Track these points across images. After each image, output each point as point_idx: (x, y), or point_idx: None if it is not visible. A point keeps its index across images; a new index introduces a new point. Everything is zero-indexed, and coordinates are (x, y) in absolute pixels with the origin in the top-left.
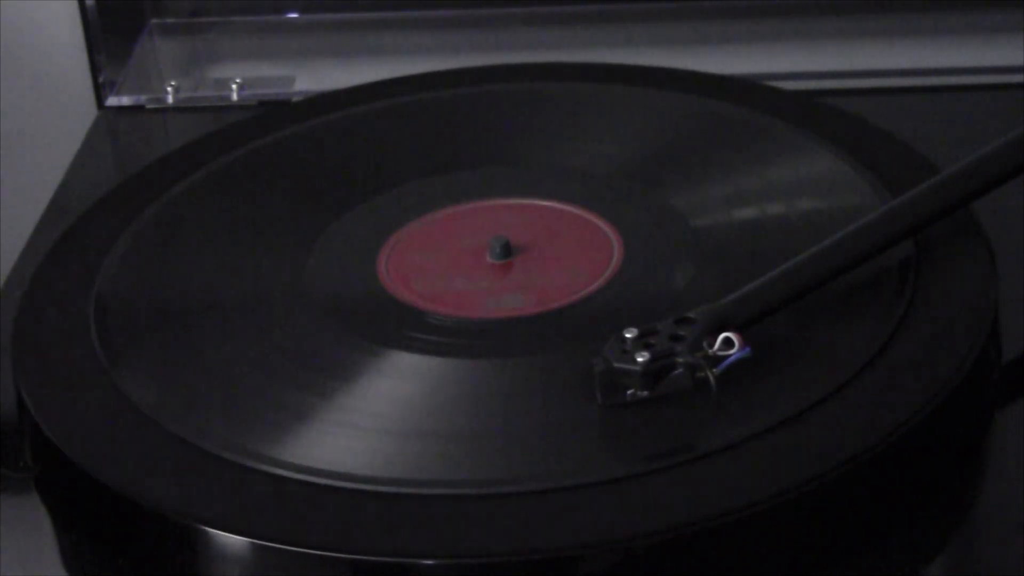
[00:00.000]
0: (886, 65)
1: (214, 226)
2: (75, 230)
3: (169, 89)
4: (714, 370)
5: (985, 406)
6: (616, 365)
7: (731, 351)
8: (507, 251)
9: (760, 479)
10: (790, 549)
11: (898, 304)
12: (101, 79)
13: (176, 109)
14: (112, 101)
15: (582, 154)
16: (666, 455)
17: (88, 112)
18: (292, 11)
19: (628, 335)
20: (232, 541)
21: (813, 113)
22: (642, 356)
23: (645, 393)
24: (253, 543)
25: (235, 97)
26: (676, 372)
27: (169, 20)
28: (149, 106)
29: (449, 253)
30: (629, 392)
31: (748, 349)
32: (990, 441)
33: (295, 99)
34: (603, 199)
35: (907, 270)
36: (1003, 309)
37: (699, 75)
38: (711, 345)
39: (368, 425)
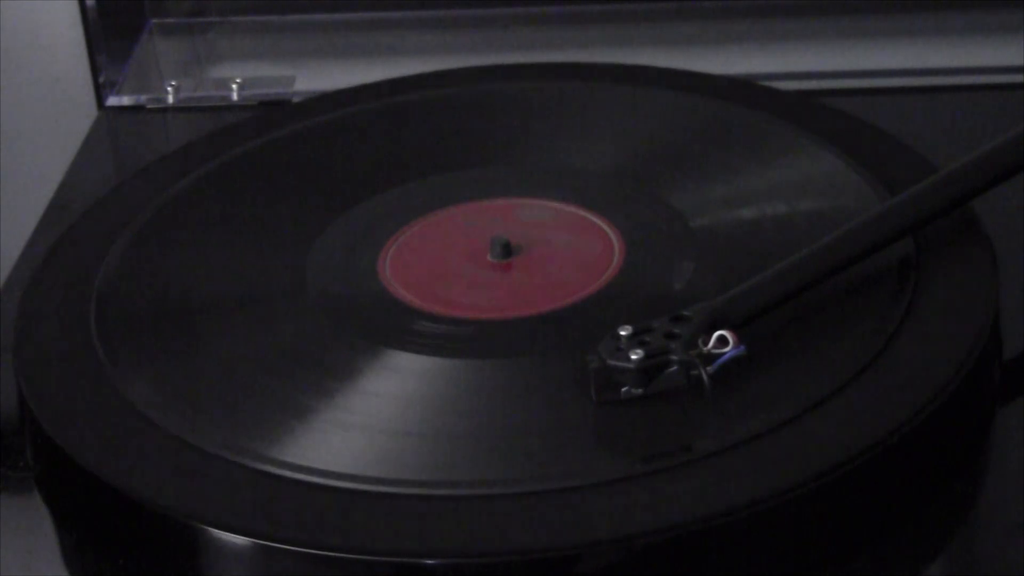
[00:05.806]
0: (886, 65)
1: (214, 225)
2: (75, 229)
3: (169, 89)
4: (708, 368)
5: (985, 406)
6: (610, 362)
7: (726, 349)
8: (507, 251)
9: (759, 479)
10: (790, 549)
11: (898, 304)
12: (101, 79)
13: (176, 109)
14: (112, 101)
15: (582, 154)
16: (666, 455)
17: (88, 112)
18: (292, 11)
19: (623, 332)
20: (232, 541)
21: (813, 113)
22: (636, 353)
23: (639, 391)
24: (253, 543)
25: (235, 97)
26: (670, 370)
27: (169, 20)
28: (149, 106)
29: (449, 253)
30: (623, 389)
31: (743, 347)
32: (990, 441)
33: (295, 99)
34: (603, 199)
35: (907, 269)
36: (1003, 309)
37: (699, 75)
38: (706, 343)
39: (368, 425)
